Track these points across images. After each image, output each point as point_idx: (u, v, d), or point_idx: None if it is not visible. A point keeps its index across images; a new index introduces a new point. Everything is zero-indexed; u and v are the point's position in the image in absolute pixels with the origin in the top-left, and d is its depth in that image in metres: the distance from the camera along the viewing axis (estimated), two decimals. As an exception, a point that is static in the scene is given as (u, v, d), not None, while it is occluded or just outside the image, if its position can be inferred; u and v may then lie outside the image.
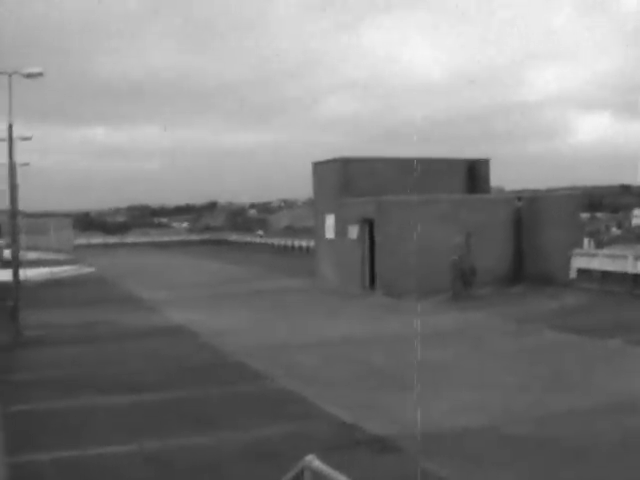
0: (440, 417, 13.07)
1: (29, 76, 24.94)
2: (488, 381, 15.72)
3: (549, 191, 39.58)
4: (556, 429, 12.16)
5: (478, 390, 14.91)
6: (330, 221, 36.28)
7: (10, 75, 24.81)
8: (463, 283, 29.52)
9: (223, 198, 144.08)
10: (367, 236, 32.81)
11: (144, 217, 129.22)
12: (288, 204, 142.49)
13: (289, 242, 65.68)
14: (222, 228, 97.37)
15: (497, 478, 10.07)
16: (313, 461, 5.45)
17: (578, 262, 31.29)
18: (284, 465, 6.12)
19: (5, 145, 26.53)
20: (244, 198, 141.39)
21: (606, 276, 29.76)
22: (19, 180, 30.88)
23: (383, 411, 13.65)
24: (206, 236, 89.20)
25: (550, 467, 10.38)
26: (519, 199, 34.46)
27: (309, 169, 39.13)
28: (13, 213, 27.60)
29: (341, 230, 35.01)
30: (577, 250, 31.72)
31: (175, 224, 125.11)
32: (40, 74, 25.01)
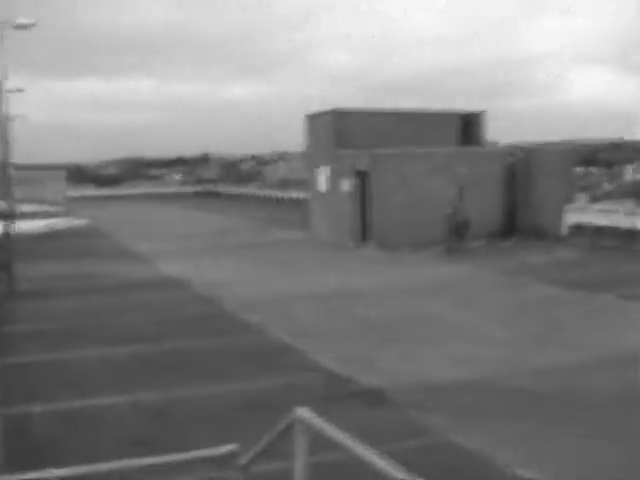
0: (434, 370, 13.19)
1: (20, 27, 24.73)
2: (481, 334, 15.83)
3: (544, 145, 39.52)
4: (550, 382, 12.28)
5: (471, 343, 15.02)
6: (323, 174, 36.19)
7: (1, 26, 24.60)
8: (456, 236, 29.59)
9: (218, 150, 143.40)
10: (361, 189, 32.76)
11: (137, 169, 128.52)
12: (283, 156, 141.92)
13: (283, 194, 65.48)
14: (216, 180, 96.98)
15: (493, 429, 10.16)
16: (304, 413, 5.49)
17: (571, 217, 31.35)
18: (278, 416, 6.16)
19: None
20: (238, 150, 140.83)
21: (598, 231, 29.84)
22: (12, 132, 30.79)
23: (377, 364, 13.75)
24: (199, 188, 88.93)
25: (546, 419, 10.49)
26: (512, 153, 34.40)
27: (303, 121, 38.96)
28: (5, 165, 27.53)
29: (334, 183, 34.94)
30: (570, 205, 31.77)
31: (168, 177, 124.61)
32: (32, 25, 24.80)
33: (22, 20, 24.72)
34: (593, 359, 13.59)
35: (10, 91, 35.92)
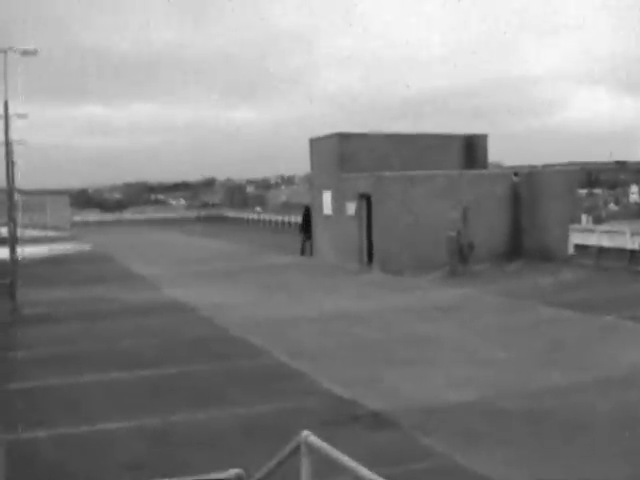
0: (436, 392, 13.14)
1: (24, 53, 24.88)
2: (484, 356, 15.78)
3: (546, 166, 39.53)
4: (552, 404, 12.22)
5: (474, 365, 14.97)
6: (327, 197, 36.27)
7: (5, 52, 24.75)
8: (460, 259, 29.54)
9: (221, 175, 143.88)
10: (365, 212, 32.79)
11: (141, 194, 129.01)
12: (286, 180, 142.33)
13: (287, 218, 65.52)
14: (220, 205, 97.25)
15: (494, 453, 10.11)
16: (309, 437, 5.47)
17: (576, 238, 31.31)
18: (283, 439, 6.14)
19: (0, 123, 26.52)
20: (242, 175, 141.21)
21: (603, 252, 29.78)
22: (15, 158, 30.92)
23: (380, 386, 13.71)
24: (203, 213, 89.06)
25: (547, 442, 10.43)
26: (516, 174, 34.42)
27: (307, 145, 39.09)
28: (10, 191, 27.59)
29: (338, 206, 35.00)
30: (575, 226, 31.74)
31: (173, 201, 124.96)
32: (35, 51, 24.95)
33: (26, 46, 24.87)
34: (596, 380, 13.52)
35: (16, 115, 36.12)
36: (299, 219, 42.13)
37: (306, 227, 39.46)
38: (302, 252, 38.92)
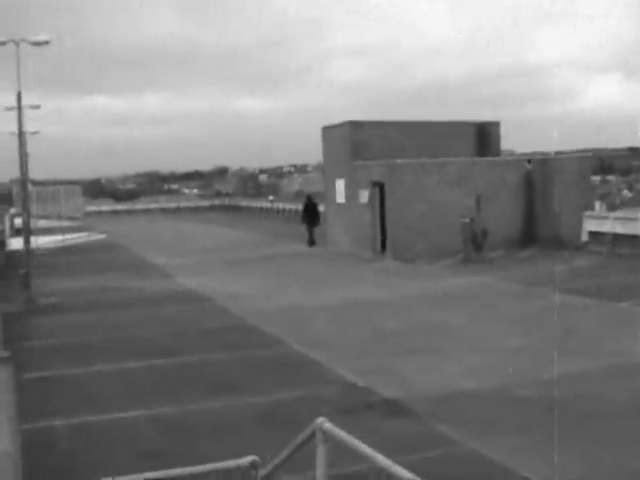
0: (450, 380, 13.16)
1: (36, 44, 24.92)
2: (498, 344, 15.78)
3: (559, 154, 39.40)
4: (567, 391, 12.19)
5: (489, 353, 14.98)
6: (340, 185, 36.22)
7: (17, 43, 24.79)
8: (474, 246, 29.47)
9: (234, 164, 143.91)
10: (378, 200, 32.74)
11: (154, 183, 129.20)
12: (298, 169, 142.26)
13: (300, 207, 65.30)
14: (233, 194, 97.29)
15: (509, 440, 10.13)
16: (324, 423, 5.49)
17: (589, 225, 31.21)
18: (298, 427, 6.16)
19: (14, 114, 26.58)
20: (255, 163, 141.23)
21: (617, 239, 29.68)
22: (29, 149, 31.01)
23: (395, 374, 13.74)
24: (216, 202, 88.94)
25: (561, 429, 10.42)
26: (529, 161, 34.31)
27: (319, 133, 39.03)
28: (24, 181, 27.69)
29: (351, 194, 34.95)
30: (588, 213, 31.64)
31: (186, 190, 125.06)
32: (46, 42, 24.98)
33: (38, 37, 24.91)
34: (610, 368, 13.52)
35: (27, 107, 36.17)
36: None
37: (309, 217, 39.04)
38: (310, 243, 38.31)
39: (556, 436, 10.10)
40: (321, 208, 39.47)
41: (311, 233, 38.46)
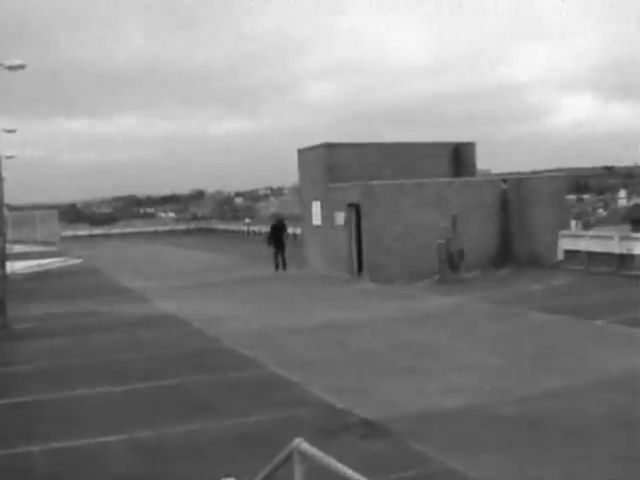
0: (429, 399, 13.16)
1: (11, 68, 24.86)
2: (475, 363, 15.82)
3: (535, 173, 39.71)
4: (545, 408, 12.27)
5: (466, 372, 15.00)
6: (316, 207, 36.30)
7: (-8, 67, 24.71)
8: (450, 266, 29.57)
9: (210, 187, 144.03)
10: (354, 221, 32.83)
11: (130, 207, 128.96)
12: (275, 191, 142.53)
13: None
14: (209, 217, 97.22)
15: (489, 458, 10.14)
16: (301, 444, 5.50)
17: (565, 243, 31.44)
18: (276, 449, 6.17)
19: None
20: (231, 187, 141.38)
21: (593, 257, 29.90)
22: (5, 173, 30.85)
23: (374, 395, 13.73)
24: (193, 225, 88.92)
25: (541, 446, 10.46)
26: (505, 181, 34.53)
27: (295, 156, 39.16)
28: (-1, 206, 27.53)
29: (327, 216, 35.04)
30: (564, 231, 31.88)
31: (162, 214, 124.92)
32: (22, 66, 24.93)
33: (13, 61, 24.85)
34: (588, 385, 13.57)
35: (4, 131, 36.08)
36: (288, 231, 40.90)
37: (276, 240, 37.73)
38: (276, 267, 37.14)
39: (536, 454, 10.14)
40: (297, 230, 39.37)
41: (277, 257, 37.27)
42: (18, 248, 52.66)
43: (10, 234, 48.22)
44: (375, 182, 31.86)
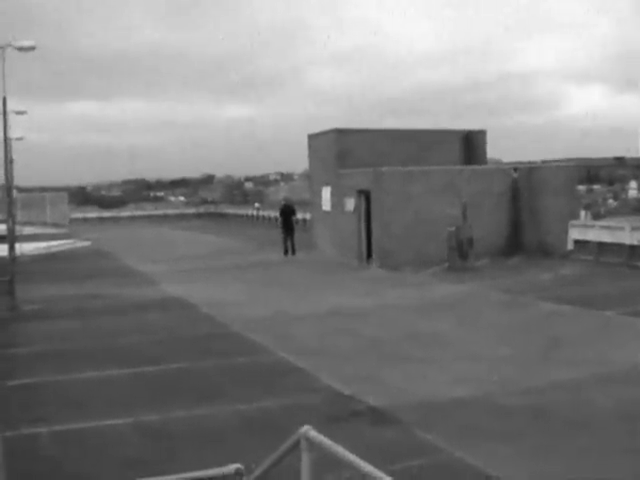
0: (437, 388, 13.13)
1: (21, 49, 24.83)
2: (483, 352, 15.77)
3: (546, 162, 39.54)
4: (552, 400, 12.22)
5: (475, 361, 14.96)
6: (326, 193, 36.22)
7: (3, 48, 24.70)
8: (460, 254, 29.48)
9: (220, 171, 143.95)
10: (364, 208, 32.75)
11: (140, 191, 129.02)
12: (285, 177, 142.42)
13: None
14: (219, 201, 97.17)
15: (495, 448, 10.10)
16: (309, 431, 5.46)
17: (575, 233, 31.30)
18: (283, 435, 6.12)
19: (-1, 119, 26.44)
20: (241, 171, 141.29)
21: (603, 247, 29.77)
22: (14, 155, 30.89)
23: (381, 382, 13.70)
24: (202, 209, 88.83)
25: (547, 438, 10.42)
26: (516, 170, 34.38)
27: (305, 141, 39.07)
28: (9, 188, 27.56)
29: (337, 202, 34.97)
30: (574, 221, 31.74)
31: (172, 198, 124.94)
32: (32, 47, 24.89)
33: (24, 42, 24.81)
34: (596, 376, 13.51)
35: (14, 112, 36.07)
36: (298, 216, 40.73)
37: (285, 224, 37.87)
38: (285, 252, 37.11)
39: (542, 445, 10.10)
40: (307, 215, 39.30)
41: (286, 241, 37.30)
42: (28, 230, 52.74)
43: (19, 216, 48.30)
44: (386, 168, 31.75)
